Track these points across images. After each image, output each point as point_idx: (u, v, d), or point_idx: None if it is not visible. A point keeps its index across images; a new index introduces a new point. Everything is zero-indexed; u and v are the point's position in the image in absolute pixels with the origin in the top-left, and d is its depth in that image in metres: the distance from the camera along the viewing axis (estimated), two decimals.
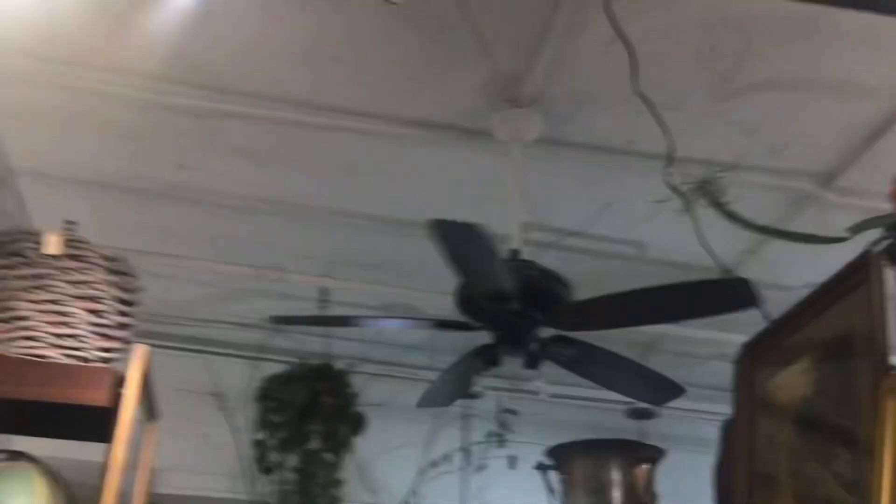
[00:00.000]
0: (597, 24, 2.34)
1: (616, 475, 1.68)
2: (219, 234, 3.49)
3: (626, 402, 4.20)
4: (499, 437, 3.52)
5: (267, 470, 3.33)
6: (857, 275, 1.28)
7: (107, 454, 2.15)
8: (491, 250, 2.07)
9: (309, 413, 3.29)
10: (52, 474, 2.17)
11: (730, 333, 3.79)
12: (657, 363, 3.93)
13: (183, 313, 3.93)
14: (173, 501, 3.68)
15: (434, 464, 3.63)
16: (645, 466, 1.71)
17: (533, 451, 3.34)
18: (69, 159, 3.07)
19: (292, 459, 3.39)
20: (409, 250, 3.48)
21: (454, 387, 3.04)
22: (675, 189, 2.33)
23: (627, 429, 4.24)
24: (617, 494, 1.66)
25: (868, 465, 1.16)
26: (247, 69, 2.65)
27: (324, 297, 3.52)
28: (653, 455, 1.71)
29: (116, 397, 2.16)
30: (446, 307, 3.68)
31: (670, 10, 2.29)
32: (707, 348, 4.17)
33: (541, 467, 1.76)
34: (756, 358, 1.56)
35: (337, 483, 3.32)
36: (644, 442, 1.73)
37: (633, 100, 2.68)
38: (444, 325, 2.45)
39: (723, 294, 2.31)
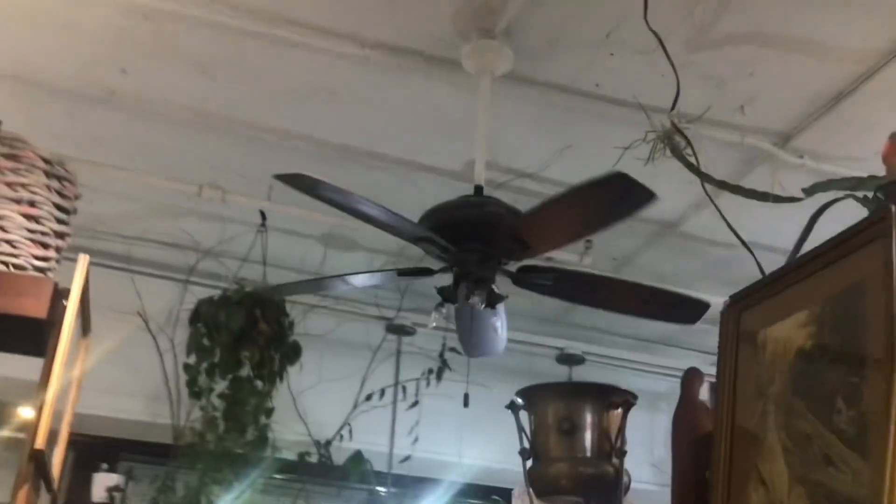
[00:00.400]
0: None
1: (590, 418, 1.64)
2: (154, 147, 3.31)
3: (556, 348, 4.25)
4: (436, 374, 3.50)
5: (196, 394, 3.22)
6: (873, 229, 1.26)
7: (44, 368, 2.03)
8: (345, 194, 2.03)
9: (244, 339, 3.18)
10: None
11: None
12: (584, 309, 3.99)
13: (109, 228, 3.74)
14: (90, 421, 3.55)
15: (368, 398, 3.58)
16: (618, 411, 1.68)
17: (468, 390, 3.33)
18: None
19: (222, 385, 3.28)
20: (357, 179, 3.38)
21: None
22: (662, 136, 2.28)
23: (558, 373, 4.29)
24: (590, 436, 1.63)
25: (876, 419, 1.15)
26: None
27: (263, 220, 3.39)
28: (626, 400, 1.68)
29: (55, 309, 2.03)
30: (385, 239, 3.62)
31: None
32: None
33: (512, 406, 1.72)
34: (743, 310, 1.53)
35: (267, 411, 3.24)
36: (618, 387, 1.71)
37: (606, 43, 2.64)
38: (408, 272, 2.38)
39: (678, 307, 2.37)
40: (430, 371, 3.53)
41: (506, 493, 3.49)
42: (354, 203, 2.05)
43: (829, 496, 1.23)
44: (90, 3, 2.60)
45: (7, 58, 2.87)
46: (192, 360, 3.30)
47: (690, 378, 1.99)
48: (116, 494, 3.89)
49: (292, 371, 3.31)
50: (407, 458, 3.59)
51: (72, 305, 2.04)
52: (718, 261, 3.81)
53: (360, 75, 2.82)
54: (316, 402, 3.59)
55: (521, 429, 1.70)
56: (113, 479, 3.99)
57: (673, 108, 2.28)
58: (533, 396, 1.72)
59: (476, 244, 2.25)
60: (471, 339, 2.59)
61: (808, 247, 1.72)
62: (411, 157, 3.22)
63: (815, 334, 1.34)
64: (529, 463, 1.69)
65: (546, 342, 4.02)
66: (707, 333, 4.55)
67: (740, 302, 1.56)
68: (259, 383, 3.27)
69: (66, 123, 3.16)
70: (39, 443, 1.92)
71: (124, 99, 3.03)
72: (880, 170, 2.36)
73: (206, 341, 3.27)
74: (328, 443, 3.46)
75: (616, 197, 1.99)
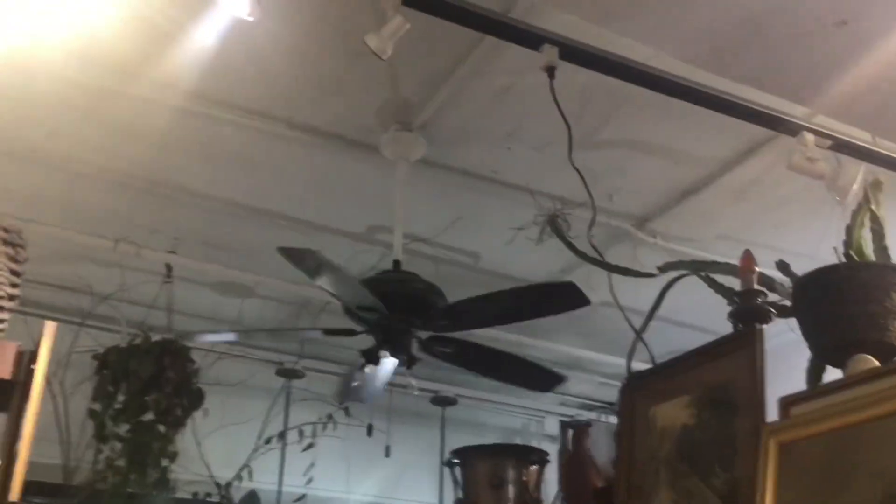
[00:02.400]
0: (497, 75, 2.69)
1: (513, 473, 2.03)
2: (64, 200, 3.44)
3: (431, 392, 4.64)
4: (330, 419, 3.79)
5: (102, 439, 3.35)
6: (742, 339, 1.72)
7: (9, 423, 2.20)
8: (336, 270, 2.37)
9: (151, 386, 3.35)
10: None
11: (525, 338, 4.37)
12: None
13: None
14: None
15: (268, 441, 3.82)
16: (535, 467, 2.07)
17: (358, 432, 3.65)
18: None
19: (123, 429, 3.43)
20: (265, 237, 3.64)
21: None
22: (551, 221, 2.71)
23: (432, 413, 4.68)
24: (513, 489, 2.02)
25: (745, 482, 1.59)
26: (152, 52, 2.70)
27: (169, 272, 3.59)
28: (542, 458, 2.08)
29: (19, 370, 2.21)
30: (285, 291, 3.89)
31: (564, 73, 2.68)
32: (506, 348, 4.70)
33: (448, 464, 2.08)
34: (638, 389, 1.96)
35: (170, 454, 3.42)
36: (535, 447, 2.09)
37: (506, 140, 3.07)
38: (332, 332, 2.69)
39: (559, 295, 2.82)
40: (329, 416, 3.81)
41: None
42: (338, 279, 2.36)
43: None
44: (19, 72, 2.75)
45: None
46: (96, 405, 3.43)
47: (579, 433, 2.42)
48: None
49: (196, 415, 3.50)
50: (302, 497, 3.85)
51: (41, 367, 2.22)
52: (578, 316, 4.33)
53: (282, 150, 3.11)
54: (217, 444, 3.79)
55: (455, 482, 2.06)
56: None
57: (592, 221, 2.74)
58: (466, 455, 2.09)
59: (406, 315, 2.60)
60: (356, 391, 2.96)
61: (663, 310, 2.21)
62: (320, 221, 3.53)
63: (695, 415, 1.79)
64: None
65: (424, 385, 4.40)
66: None
67: (634, 384, 2.00)
68: (162, 428, 3.44)
69: None
70: (14, 496, 2.09)
71: (46, 157, 3.17)
72: (718, 250, 2.95)
73: (111, 387, 3.41)
74: (228, 484, 3.68)
75: (557, 300, 2.41)
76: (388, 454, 2.67)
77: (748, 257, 2.07)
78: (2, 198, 3.28)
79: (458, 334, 2.79)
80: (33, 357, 2.30)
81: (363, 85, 2.77)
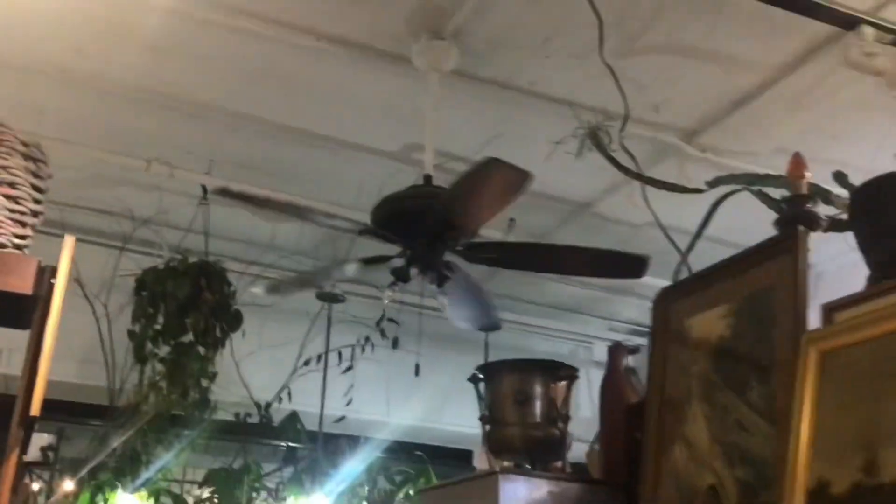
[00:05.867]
0: None
1: (540, 389, 1.94)
2: (101, 122, 3.40)
3: None
4: (367, 341, 3.75)
5: (142, 360, 3.37)
6: (785, 244, 1.58)
7: (31, 339, 2.18)
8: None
9: (188, 308, 3.34)
10: None
11: None
12: (503, 280, 4.31)
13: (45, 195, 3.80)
14: (16, 383, 3.64)
15: (306, 363, 3.80)
16: (563, 383, 1.98)
17: (398, 356, 3.60)
18: None
19: (164, 351, 3.44)
20: (299, 158, 3.57)
21: (319, 279, 3.21)
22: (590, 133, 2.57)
23: (476, 338, 4.60)
24: (540, 405, 1.93)
25: (781, 395, 1.47)
26: None
27: (204, 194, 3.54)
28: (571, 374, 1.98)
29: (39, 285, 2.18)
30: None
31: None
32: None
33: (473, 380, 2.00)
34: (673, 300, 1.84)
35: (210, 375, 3.42)
36: (563, 362, 2.00)
37: (543, 47, 2.91)
38: (369, 231, 2.60)
39: (621, 263, 2.66)
40: (367, 338, 3.77)
41: (440, 452, 3.77)
42: (294, 210, 2.25)
43: (741, 454, 1.56)
44: None
45: None
46: (135, 327, 3.44)
47: (616, 351, 2.31)
48: (50, 453, 4.01)
49: (235, 337, 3.49)
50: (341, 419, 3.84)
51: (60, 282, 2.19)
52: (622, 239, 4.18)
53: (311, 64, 3.00)
54: (257, 366, 3.78)
55: (480, 398, 1.98)
56: (45, 438, 4.10)
57: (624, 122, 2.57)
58: (491, 371, 2.00)
59: (425, 233, 2.49)
60: (474, 311, 2.85)
61: (710, 230, 2.07)
62: (353, 139, 3.43)
63: (733, 325, 1.66)
64: (488, 427, 1.97)
65: None
66: (607, 302, 4.98)
67: (669, 295, 1.88)
68: (202, 349, 3.44)
69: (15, 96, 3.22)
70: (34, 410, 2.08)
71: (75, 76, 3.12)
72: (774, 165, 2.77)
73: (150, 309, 3.41)
74: (268, 405, 3.68)
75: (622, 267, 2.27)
76: (417, 373, 2.60)
77: (797, 161, 1.93)
78: (35, 118, 3.25)
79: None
80: (54, 273, 2.27)
81: None
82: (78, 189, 3.90)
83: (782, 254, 1.58)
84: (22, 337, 3.28)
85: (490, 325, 3.11)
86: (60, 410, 4.18)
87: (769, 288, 1.59)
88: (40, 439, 4.02)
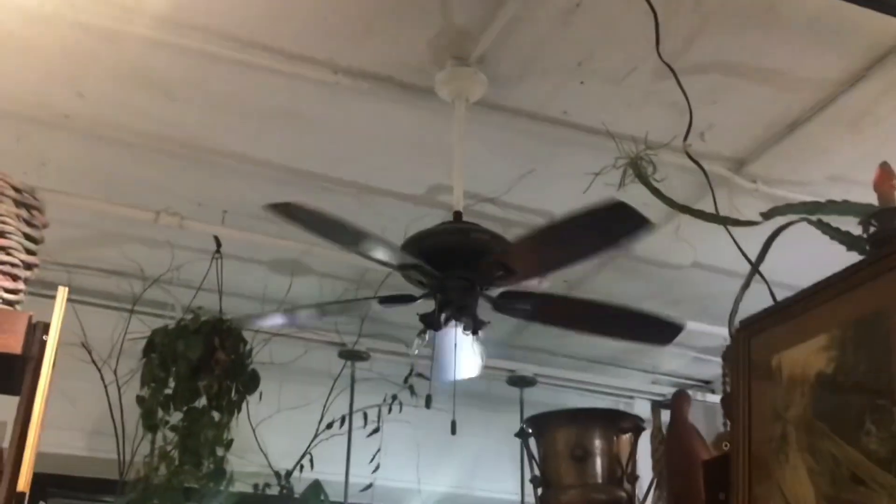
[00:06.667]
0: None
1: (600, 444, 1.66)
2: (105, 172, 3.20)
3: (507, 370, 4.28)
4: (395, 400, 3.47)
5: (152, 428, 3.10)
6: (894, 257, 1.32)
7: (21, 406, 1.94)
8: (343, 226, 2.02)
9: (201, 369, 3.09)
10: None
11: None
12: (536, 331, 4.04)
13: (49, 256, 3.58)
14: None
15: (329, 426, 3.52)
16: (627, 436, 1.70)
17: (428, 418, 3.32)
18: None
19: (176, 418, 3.18)
20: (317, 204, 3.34)
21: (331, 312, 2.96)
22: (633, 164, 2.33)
23: (510, 396, 4.32)
24: (601, 462, 1.65)
25: None
26: None
27: (218, 247, 3.31)
28: (636, 425, 1.71)
29: (29, 344, 1.95)
30: (341, 264, 3.59)
31: None
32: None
33: (521, 435, 1.72)
34: (753, 336, 1.57)
35: (224, 443, 3.15)
36: (627, 412, 1.73)
37: (577, 71, 2.69)
38: (389, 300, 2.36)
39: (655, 328, 2.41)
40: (394, 397, 3.50)
41: None
42: (344, 231, 2.03)
43: None
44: (50, 23, 2.50)
45: None
46: (144, 392, 3.19)
47: (679, 401, 2.03)
48: None
49: (251, 400, 3.23)
50: (368, 487, 3.54)
51: (52, 340, 1.95)
52: (664, 282, 3.91)
53: (327, 100, 2.79)
54: (275, 431, 3.51)
55: (531, 456, 1.71)
56: None
57: (686, 137, 2.33)
58: (542, 424, 1.73)
59: (460, 271, 2.25)
60: (448, 363, 2.58)
61: (765, 268, 1.81)
62: (374, 182, 3.21)
63: (836, 357, 1.39)
64: (540, 491, 1.70)
65: (498, 364, 4.05)
66: (644, 353, 4.68)
67: (750, 327, 1.61)
68: (216, 414, 3.18)
69: (12, 146, 3.03)
70: (22, 485, 1.83)
71: (78, 122, 2.93)
72: (830, 194, 2.48)
73: (160, 372, 3.16)
74: (289, 473, 3.39)
75: (611, 225, 2.01)
76: (454, 431, 2.34)
77: (885, 171, 1.69)
78: (36, 170, 3.06)
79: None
80: (47, 329, 2.04)
81: (411, 15, 2.43)
82: (84, 248, 3.70)
83: (893, 269, 1.32)
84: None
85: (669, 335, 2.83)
86: (67, 486, 3.91)
87: (882, 310, 1.33)
88: None
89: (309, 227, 2.04)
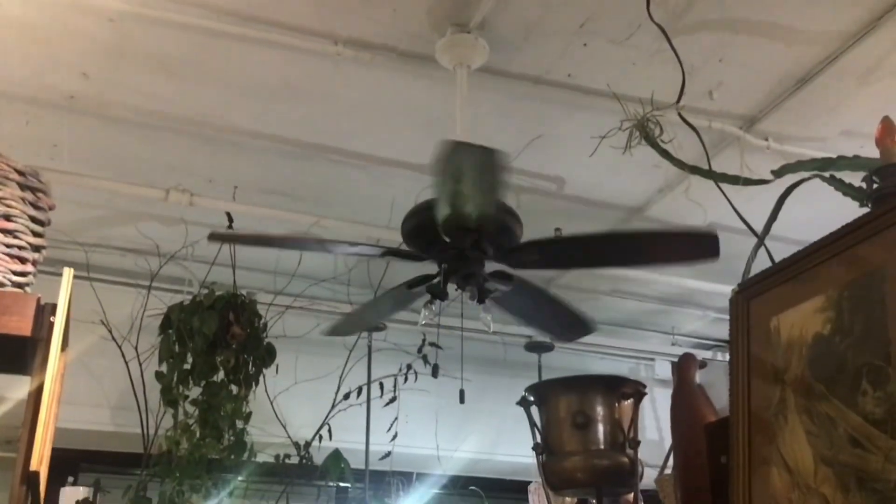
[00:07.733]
0: None
1: (602, 410, 1.66)
2: (114, 152, 3.22)
3: (525, 336, 4.28)
4: (409, 369, 3.49)
5: (171, 402, 3.15)
6: (891, 215, 1.29)
7: (33, 386, 1.97)
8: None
9: (217, 344, 3.12)
10: None
11: (627, 270, 3.95)
12: None
13: (66, 236, 3.63)
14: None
15: (346, 396, 3.55)
16: (629, 402, 1.70)
17: (446, 387, 3.33)
18: None
19: (195, 392, 3.22)
20: (327, 177, 3.35)
21: (372, 315, 2.98)
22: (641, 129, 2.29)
23: (528, 361, 4.32)
24: (603, 428, 1.64)
25: None
26: None
27: (230, 222, 3.32)
28: (637, 390, 1.70)
29: (39, 325, 1.97)
30: (352, 236, 3.59)
31: None
32: (604, 284, 4.28)
33: (523, 402, 1.73)
34: (751, 298, 1.56)
35: (244, 416, 3.19)
36: (628, 377, 1.73)
37: (579, 33, 2.65)
38: (392, 253, 2.35)
39: (687, 244, 2.35)
40: (409, 366, 3.51)
41: (485, 484, 3.49)
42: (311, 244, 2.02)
43: (858, 476, 1.27)
44: (50, 6, 2.51)
45: None
46: (163, 367, 3.23)
47: (685, 363, 2.02)
48: None
49: (268, 373, 3.26)
50: (388, 455, 3.58)
51: (59, 321, 1.98)
52: None
53: (330, 72, 2.78)
54: (293, 403, 3.55)
55: (533, 424, 1.71)
56: (81, 492, 3.89)
57: (678, 99, 2.30)
58: (544, 392, 1.73)
59: (464, 241, 2.23)
60: (555, 324, 2.58)
61: (780, 226, 1.79)
62: (382, 154, 3.20)
63: (833, 319, 1.37)
64: (543, 458, 1.70)
65: (514, 331, 4.04)
66: (666, 314, 4.66)
67: (748, 290, 1.59)
68: (234, 388, 3.21)
69: (22, 129, 3.05)
70: (35, 464, 1.86)
71: (84, 103, 2.94)
72: (842, 150, 2.43)
73: (177, 348, 3.20)
74: (308, 444, 3.43)
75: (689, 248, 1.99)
76: (462, 400, 2.34)
77: (886, 125, 1.65)
78: (48, 153, 3.09)
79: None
80: (55, 310, 2.06)
81: None
82: (100, 228, 3.73)
83: (890, 227, 1.30)
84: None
85: (579, 333, 2.79)
86: (92, 461, 3.99)
87: (878, 269, 1.30)
88: (76, 493, 3.82)
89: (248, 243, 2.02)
